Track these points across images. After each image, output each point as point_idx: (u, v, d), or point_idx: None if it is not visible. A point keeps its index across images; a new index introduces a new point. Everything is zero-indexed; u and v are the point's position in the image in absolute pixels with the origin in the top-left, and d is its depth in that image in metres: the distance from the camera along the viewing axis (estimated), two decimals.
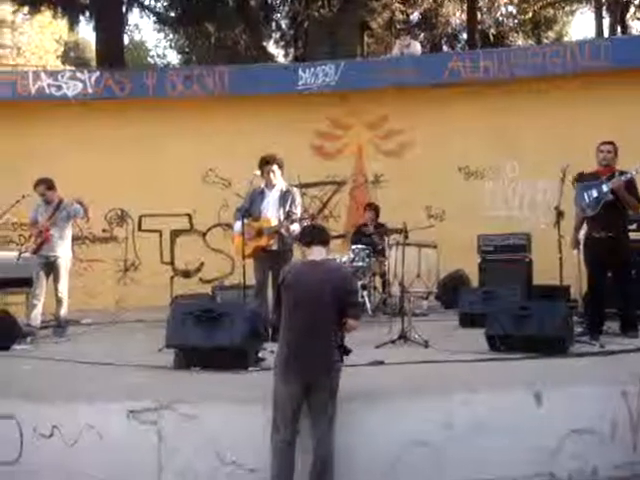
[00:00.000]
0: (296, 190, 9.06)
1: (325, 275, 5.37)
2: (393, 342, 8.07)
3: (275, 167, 8.84)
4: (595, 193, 8.23)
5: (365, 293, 10.69)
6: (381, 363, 6.94)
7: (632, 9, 29.80)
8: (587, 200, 8.31)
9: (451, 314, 10.46)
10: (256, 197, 8.88)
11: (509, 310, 7.61)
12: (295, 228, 8.55)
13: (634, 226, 9.46)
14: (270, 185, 8.86)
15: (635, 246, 9.09)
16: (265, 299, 8.55)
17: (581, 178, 8.58)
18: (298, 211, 8.89)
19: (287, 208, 8.75)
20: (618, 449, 5.71)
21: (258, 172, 8.81)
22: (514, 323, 7.41)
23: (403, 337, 8.13)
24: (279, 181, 8.91)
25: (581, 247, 8.68)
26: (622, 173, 8.20)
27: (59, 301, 9.84)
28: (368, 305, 10.65)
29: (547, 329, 7.22)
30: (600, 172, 8.40)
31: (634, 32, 29.22)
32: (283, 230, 8.62)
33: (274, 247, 8.64)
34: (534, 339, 7.20)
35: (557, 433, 5.58)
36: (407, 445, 5.37)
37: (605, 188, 8.16)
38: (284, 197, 8.80)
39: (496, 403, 5.62)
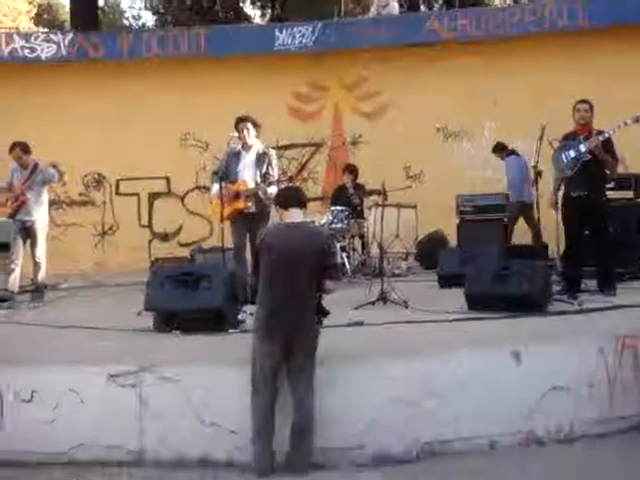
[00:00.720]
0: (273, 151, 8.95)
1: (303, 237, 5.36)
2: (372, 303, 8.08)
3: (249, 124, 8.72)
4: (573, 153, 8.24)
5: (344, 254, 10.69)
6: (360, 324, 6.96)
7: None
8: (565, 160, 8.32)
9: (430, 274, 10.47)
10: (232, 159, 8.76)
11: (488, 270, 7.63)
12: (272, 191, 8.44)
13: (612, 185, 9.49)
14: (246, 146, 8.75)
15: (613, 205, 9.15)
16: (243, 261, 8.51)
17: (563, 139, 8.57)
18: (275, 173, 8.78)
19: (264, 170, 8.66)
20: (595, 406, 5.76)
21: (235, 134, 8.72)
22: (493, 282, 7.44)
23: (382, 298, 8.14)
24: (255, 142, 8.79)
25: (559, 207, 8.72)
26: (599, 132, 8.20)
27: (37, 265, 9.78)
28: (347, 266, 10.65)
29: (525, 288, 7.25)
30: (578, 131, 8.40)
31: None
32: (260, 193, 8.54)
33: (252, 210, 8.57)
34: (513, 298, 7.24)
35: (535, 391, 5.61)
36: (386, 404, 5.39)
37: (583, 148, 8.16)
38: (260, 159, 8.70)
39: (475, 362, 5.65)
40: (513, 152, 12.27)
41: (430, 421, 5.44)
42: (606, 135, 8.14)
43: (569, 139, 8.43)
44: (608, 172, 8.47)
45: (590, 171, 8.16)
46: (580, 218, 8.33)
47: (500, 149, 12.46)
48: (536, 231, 10.69)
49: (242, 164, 8.72)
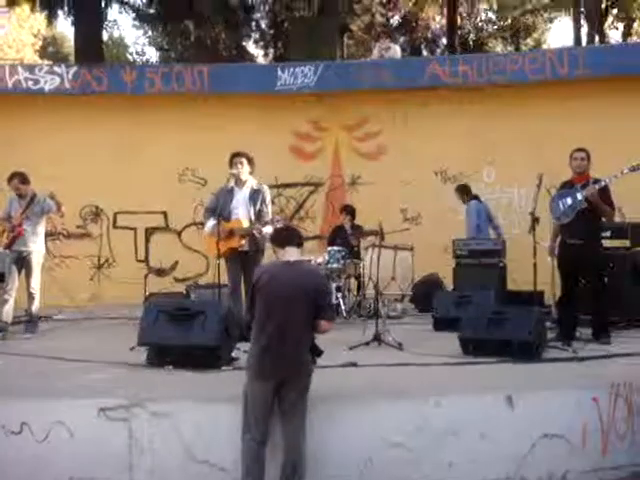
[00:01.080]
0: (266, 188, 8.92)
1: (298, 276, 5.36)
2: (367, 344, 8.06)
3: (244, 159, 8.74)
4: (570, 201, 8.28)
5: (340, 295, 10.68)
6: (354, 365, 6.94)
7: (610, 18, 30.04)
8: (562, 208, 8.35)
9: (425, 317, 10.47)
10: (225, 196, 8.76)
11: (483, 314, 7.63)
12: (267, 230, 8.43)
13: (608, 233, 9.52)
14: (240, 182, 8.74)
15: (608, 254, 9.18)
16: (239, 299, 8.50)
17: (560, 188, 8.61)
18: (269, 210, 8.77)
19: (257, 207, 8.65)
20: (588, 455, 5.74)
21: (235, 171, 8.73)
22: (487, 327, 7.44)
23: (377, 339, 8.13)
24: (249, 178, 8.80)
25: (555, 253, 8.75)
26: (596, 181, 8.25)
27: (31, 296, 9.76)
28: (342, 307, 10.64)
29: (520, 334, 7.24)
30: (575, 180, 8.45)
31: (612, 41, 29.50)
32: (255, 232, 8.53)
33: (245, 248, 8.56)
34: (507, 344, 7.23)
35: (528, 438, 5.60)
36: (379, 447, 5.37)
37: (579, 196, 8.21)
38: (254, 196, 8.69)
39: (468, 407, 5.64)
40: (476, 197, 12.39)
41: (423, 464, 5.41)
42: (602, 184, 8.18)
43: (566, 187, 8.48)
44: (605, 220, 8.50)
45: (586, 219, 8.19)
46: (575, 265, 8.35)
47: (464, 192, 12.52)
48: None
49: (235, 201, 8.73)
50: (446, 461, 5.44)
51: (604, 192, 8.23)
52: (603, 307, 8.47)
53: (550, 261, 8.94)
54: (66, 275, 13.96)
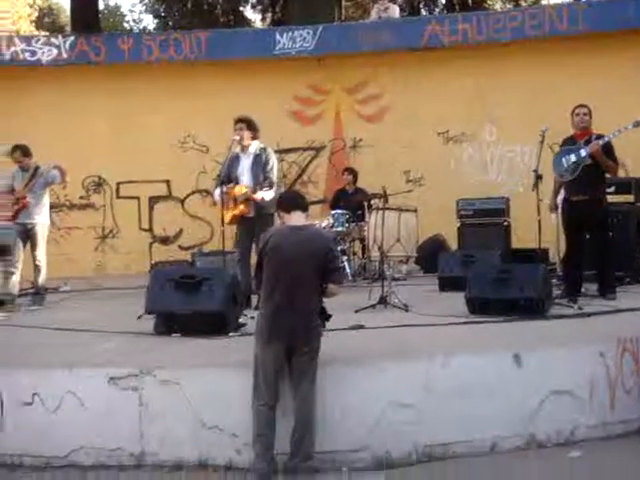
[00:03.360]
0: (270, 150, 8.78)
1: (306, 240, 5.36)
2: (373, 306, 8.09)
3: (244, 125, 8.62)
4: (574, 157, 8.24)
5: (345, 258, 10.70)
6: (361, 327, 6.96)
7: None
8: (565, 165, 8.31)
9: (431, 278, 10.49)
10: (232, 163, 8.70)
11: (488, 273, 7.64)
12: (264, 195, 8.37)
13: (612, 189, 9.50)
14: (244, 148, 8.68)
15: (613, 209, 9.16)
16: (247, 266, 8.49)
17: (562, 144, 8.56)
18: (273, 173, 8.65)
19: (261, 172, 8.58)
20: (596, 410, 5.76)
21: (237, 137, 8.67)
22: (493, 286, 7.45)
23: (383, 301, 8.15)
24: (252, 143, 8.69)
25: (559, 211, 8.73)
26: (599, 137, 8.21)
27: (37, 268, 9.77)
28: (348, 270, 10.67)
29: (526, 292, 7.25)
30: (577, 136, 8.41)
31: None
32: (252, 197, 8.46)
33: (250, 214, 8.53)
34: (513, 302, 7.25)
35: (536, 395, 5.62)
36: (387, 407, 5.40)
37: (583, 152, 8.16)
38: (257, 160, 8.60)
39: (476, 365, 5.65)
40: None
41: (431, 424, 5.44)
42: (606, 139, 8.14)
43: (568, 143, 8.43)
44: (609, 175, 8.47)
45: (590, 175, 8.16)
46: (580, 222, 8.34)
47: None
48: None
49: (241, 168, 8.66)
50: (455, 420, 5.46)
51: (608, 148, 8.19)
52: (609, 263, 8.47)
53: (554, 218, 8.93)
54: (71, 246, 14.01)
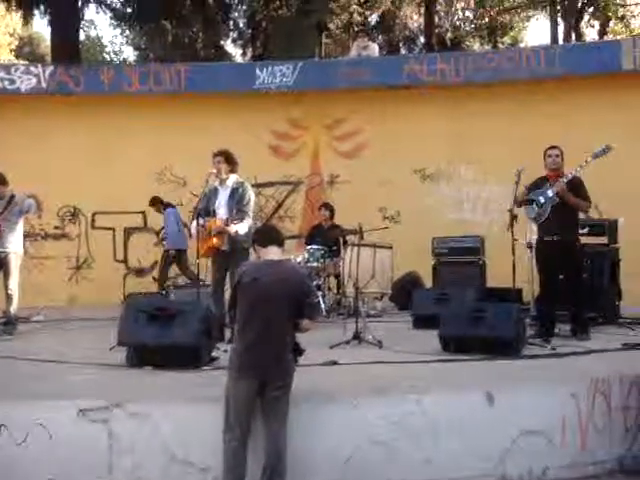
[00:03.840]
0: (247, 185, 8.77)
1: (281, 275, 5.35)
2: (347, 342, 8.07)
3: (221, 158, 8.64)
4: (542, 199, 8.33)
5: (320, 294, 10.68)
6: (335, 363, 6.95)
7: (586, 17, 30.21)
8: (536, 208, 8.40)
9: (405, 315, 10.50)
10: (211, 196, 8.73)
11: (462, 312, 7.66)
12: (237, 228, 8.37)
13: (585, 230, 9.57)
14: (222, 182, 8.71)
15: (587, 250, 9.24)
16: (220, 299, 8.47)
17: (531, 187, 8.63)
18: (249, 207, 8.63)
19: (237, 206, 8.57)
20: (567, 450, 5.77)
21: (214, 170, 8.68)
22: (467, 325, 7.47)
23: (357, 338, 8.14)
24: (230, 177, 8.71)
25: (533, 251, 8.80)
26: (565, 176, 8.31)
27: (9, 297, 9.67)
28: (322, 305, 10.64)
29: (499, 331, 7.27)
30: (548, 177, 8.51)
31: (588, 39, 29.66)
32: (224, 230, 8.45)
33: (224, 247, 8.50)
34: (487, 341, 7.27)
35: (508, 434, 5.62)
36: (360, 445, 5.38)
37: (550, 193, 8.27)
38: (234, 194, 8.61)
39: (449, 404, 5.65)
40: (170, 205, 13.14)
41: (403, 462, 5.42)
42: (569, 176, 8.24)
43: (538, 184, 8.52)
44: (582, 213, 8.56)
45: (561, 215, 8.24)
46: (553, 262, 8.39)
47: (157, 203, 13.19)
48: (189, 275, 12.49)
49: (218, 201, 8.67)
50: (426, 459, 5.45)
51: (577, 184, 8.29)
52: (581, 303, 8.52)
53: (528, 257, 8.99)
54: (44, 276, 13.90)
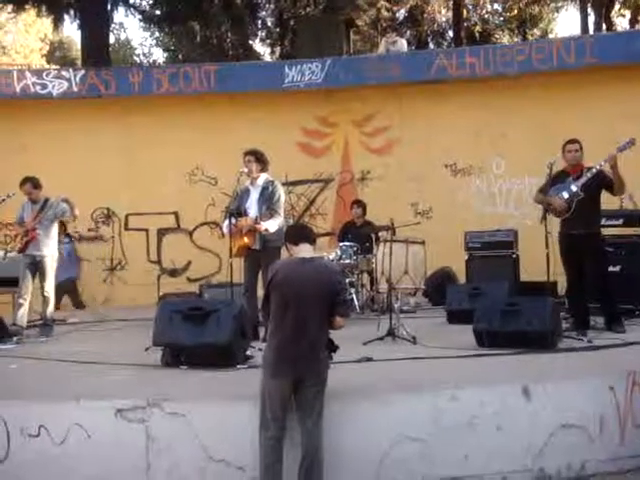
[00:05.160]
0: (277, 183, 8.82)
1: (314, 272, 5.36)
2: (381, 339, 8.06)
3: (252, 157, 8.69)
4: (566, 194, 8.26)
5: (353, 290, 10.68)
6: (369, 360, 6.94)
7: (617, 5, 29.91)
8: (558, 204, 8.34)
9: (439, 311, 10.47)
10: (243, 195, 8.78)
11: (496, 306, 7.61)
12: (267, 225, 8.40)
13: (620, 221, 9.49)
14: (253, 181, 8.75)
15: (621, 241, 9.15)
16: (253, 297, 8.51)
17: (550, 183, 8.55)
18: (279, 204, 8.67)
19: (268, 205, 8.61)
20: (606, 444, 5.72)
21: (245, 169, 8.72)
22: (501, 319, 7.42)
23: (391, 334, 8.13)
24: (261, 176, 8.77)
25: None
26: (589, 169, 8.24)
27: (45, 300, 9.78)
28: (356, 302, 10.65)
29: (535, 325, 7.22)
30: (569, 171, 8.44)
31: (619, 29, 29.35)
32: (254, 227, 8.47)
33: (255, 246, 8.53)
34: (522, 335, 7.21)
35: (546, 428, 5.58)
36: (395, 441, 5.36)
37: (574, 188, 8.20)
38: (264, 193, 8.66)
39: (484, 399, 5.62)
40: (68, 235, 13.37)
41: (440, 458, 5.40)
42: (594, 171, 8.15)
43: (559, 178, 8.45)
44: (616, 194, 8.46)
45: (585, 209, 8.19)
46: (578, 255, 8.32)
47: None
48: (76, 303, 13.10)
49: (249, 201, 8.72)
50: (463, 454, 5.42)
51: (603, 176, 8.20)
52: (610, 295, 8.44)
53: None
54: (79, 278, 14.03)
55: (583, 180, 8.17)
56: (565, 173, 8.49)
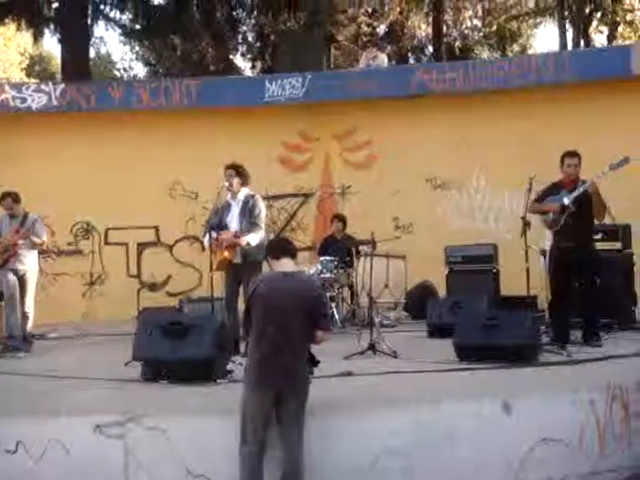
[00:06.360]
0: (258, 197, 8.80)
1: (295, 287, 5.36)
2: (362, 353, 8.05)
3: (234, 172, 8.67)
4: (566, 200, 8.29)
5: (333, 305, 10.67)
6: (350, 374, 6.93)
7: (594, 22, 30.18)
8: (552, 215, 8.39)
9: (419, 325, 10.46)
10: (224, 210, 8.77)
11: (477, 320, 7.63)
12: (249, 239, 8.39)
13: (599, 236, 9.54)
14: (233, 195, 8.75)
15: (600, 256, 9.20)
16: (234, 311, 8.49)
17: (544, 194, 8.61)
18: (260, 218, 8.64)
19: (249, 219, 8.61)
20: (586, 457, 5.74)
21: (226, 183, 8.71)
22: (482, 333, 7.44)
23: (372, 348, 8.12)
24: (241, 190, 8.76)
25: (547, 257, 8.77)
26: (584, 182, 8.28)
27: (25, 316, 9.69)
28: (336, 316, 10.63)
29: (515, 338, 7.24)
30: (564, 184, 8.47)
31: (597, 45, 29.61)
32: (235, 241, 8.46)
33: (236, 260, 8.52)
34: (502, 349, 7.23)
35: (526, 442, 5.59)
36: (377, 455, 5.36)
37: (566, 201, 8.23)
38: (245, 207, 8.65)
39: (465, 413, 5.63)
40: None
41: (421, 472, 5.40)
42: (586, 185, 8.20)
43: (552, 190, 8.49)
44: (596, 218, 8.52)
45: (577, 222, 8.22)
46: (567, 269, 8.37)
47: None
48: None
49: (231, 215, 8.70)
50: (444, 468, 5.42)
51: (594, 194, 8.25)
52: (594, 310, 8.49)
53: (542, 263, 8.94)
54: (58, 293, 13.93)
55: (575, 194, 8.21)
56: (559, 185, 8.52)
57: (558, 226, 8.33)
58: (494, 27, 31.37)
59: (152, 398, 6.27)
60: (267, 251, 5.77)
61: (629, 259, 9.99)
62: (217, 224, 8.59)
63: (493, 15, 30.73)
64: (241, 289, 8.51)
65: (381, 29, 30.44)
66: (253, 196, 8.78)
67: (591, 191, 8.13)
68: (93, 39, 26.33)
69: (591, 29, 29.97)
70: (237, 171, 8.74)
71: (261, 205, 8.76)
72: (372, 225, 9.96)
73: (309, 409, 5.26)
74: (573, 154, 8.49)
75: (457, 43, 30.05)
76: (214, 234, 8.45)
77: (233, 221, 8.67)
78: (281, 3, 20.18)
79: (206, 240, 8.61)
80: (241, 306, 8.05)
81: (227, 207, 8.78)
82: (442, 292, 11.95)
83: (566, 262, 8.34)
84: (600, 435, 5.81)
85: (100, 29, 53.14)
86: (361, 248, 10.33)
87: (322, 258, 11.07)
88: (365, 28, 28.75)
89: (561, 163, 8.51)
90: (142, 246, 14.78)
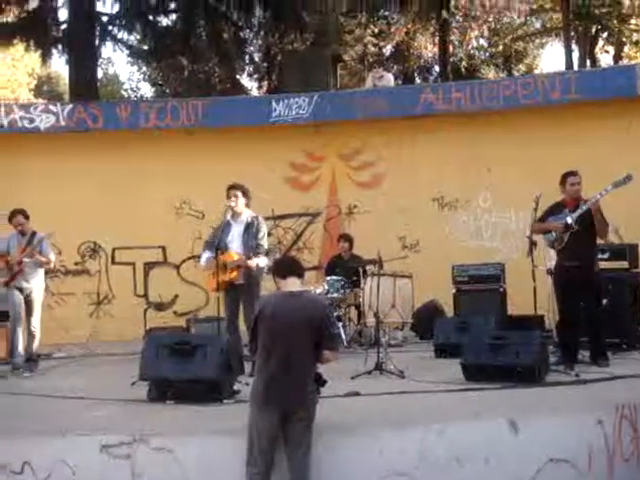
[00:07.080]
0: (261, 219, 8.85)
1: (302, 307, 5.35)
2: (369, 373, 8.04)
3: (239, 192, 8.72)
4: (569, 220, 8.29)
5: (340, 324, 10.65)
6: (357, 394, 6.91)
7: (600, 42, 30.25)
8: (555, 234, 8.39)
9: (426, 344, 10.46)
10: (223, 229, 8.75)
11: (484, 340, 7.62)
12: (258, 262, 8.45)
13: (606, 255, 9.53)
14: (235, 215, 8.74)
15: (608, 275, 9.18)
16: (236, 332, 8.50)
17: (546, 214, 8.62)
18: (264, 242, 8.70)
19: (252, 241, 8.60)
20: (594, 478, 5.69)
21: (232, 203, 8.72)
22: (489, 353, 7.43)
23: (379, 368, 8.10)
24: (244, 211, 8.79)
25: (552, 277, 8.76)
26: (585, 202, 8.29)
27: (31, 335, 9.70)
28: (343, 336, 10.62)
29: (522, 358, 7.23)
30: (567, 203, 8.47)
31: (603, 64, 29.66)
32: (244, 264, 8.48)
33: (240, 281, 8.53)
34: (509, 369, 7.22)
35: (534, 463, 5.56)
36: (383, 476, 5.33)
37: (569, 220, 8.23)
38: (248, 229, 8.67)
39: (472, 433, 5.60)
40: None
41: None
42: (590, 204, 8.19)
43: (555, 210, 8.50)
44: (600, 237, 8.51)
45: (580, 241, 8.22)
46: (574, 288, 8.34)
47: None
48: None
49: (231, 235, 8.70)
50: None
51: (597, 212, 8.25)
52: (600, 330, 8.46)
53: (550, 283, 8.91)
54: (65, 312, 13.92)
55: (578, 212, 8.22)
56: (562, 205, 8.53)
57: (562, 245, 8.33)
58: (500, 47, 31.48)
59: (159, 418, 6.25)
60: (274, 270, 5.76)
61: (636, 278, 9.96)
62: (216, 243, 8.57)
63: (499, 35, 30.85)
64: (241, 309, 8.53)
65: (387, 49, 30.57)
66: (257, 217, 8.82)
67: (594, 210, 8.13)
68: (101, 60, 26.48)
69: (597, 49, 30.05)
70: (242, 191, 8.77)
71: (265, 227, 8.83)
72: (379, 244, 9.96)
73: (316, 429, 5.24)
74: (575, 173, 8.51)
75: (463, 63, 30.13)
76: (211, 254, 8.46)
77: (234, 241, 8.68)
78: (288, 24, 20.24)
79: (204, 259, 8.64)
80: (242, 325, 8.11)
81: (227, 227, 8.76)
82: (449, 312, 11.93)
83: (570, 281, 8.32)
84: (609, 456, 5.77)
85: (108, 50, 53.26)
86: (368, 268, 10.32)
87: (329, 278, 11.07)
88: (371, 48, 28.86)
89: (562, 183, 8.52)
90: (149, 266, 14.77)
